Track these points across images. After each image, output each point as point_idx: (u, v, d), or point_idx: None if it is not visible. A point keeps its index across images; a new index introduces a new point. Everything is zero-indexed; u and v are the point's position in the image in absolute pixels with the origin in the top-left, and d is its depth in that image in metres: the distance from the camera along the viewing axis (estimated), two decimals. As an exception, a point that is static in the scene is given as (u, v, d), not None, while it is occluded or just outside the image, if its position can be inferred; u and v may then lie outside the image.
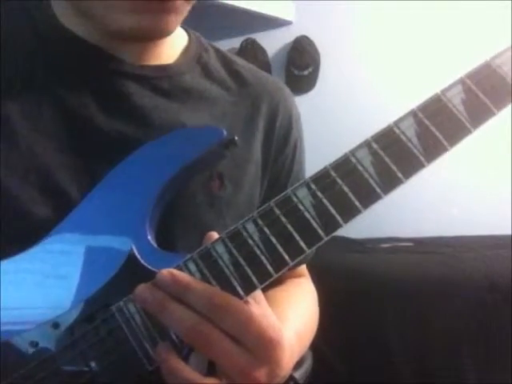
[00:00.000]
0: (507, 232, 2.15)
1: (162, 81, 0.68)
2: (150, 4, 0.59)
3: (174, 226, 0.65)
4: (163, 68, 0.69)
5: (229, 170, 0.69)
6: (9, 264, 0.57)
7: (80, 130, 0.63)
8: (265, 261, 0.53)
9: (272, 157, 0.75)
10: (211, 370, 0.67)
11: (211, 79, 0.73)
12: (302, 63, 2.60)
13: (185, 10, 0.63)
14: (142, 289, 0.53)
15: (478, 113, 0.54)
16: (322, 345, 1.76)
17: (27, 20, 0.67)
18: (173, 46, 0.71)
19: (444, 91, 0.55)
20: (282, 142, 0.77)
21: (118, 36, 0.63)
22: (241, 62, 0.78)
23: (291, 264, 0.53)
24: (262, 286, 0.54)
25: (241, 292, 0.53)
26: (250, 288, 0.53)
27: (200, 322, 0.51)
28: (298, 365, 0.69)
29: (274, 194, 0.75)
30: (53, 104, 0.63)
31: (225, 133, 0.61)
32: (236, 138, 0.61)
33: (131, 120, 0.65)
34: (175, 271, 0.53)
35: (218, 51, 0.77)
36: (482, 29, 2.22)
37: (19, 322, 0.56)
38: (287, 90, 0.81)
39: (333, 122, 2.52)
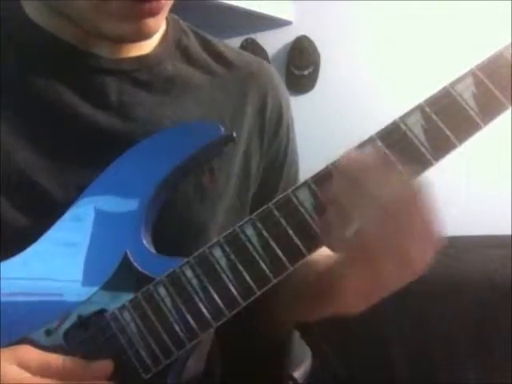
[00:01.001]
0: (507, 232, 2.14)
1: (142, 73, 0.66)
2: (135, 7, 0.56)
3: (166, 223, 0.63)
4: (142, 58, 0.66)
5: (218, 162, 0.67)
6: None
7: (61, 131, 0.62)
8: (263, 266, 0.52)
9: (266, 141, 0.73)
10: (209, 370, 0.67)
11: (193, 64, 0.71)
12: (302, 63, 2.60)
13: (167, 8, 0.61)
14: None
15: (490, 107, 0.51)
16: (321, 344, 1.76)
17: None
18: None
19: (453, 84, 0.52)
20: (275, 126, 0.74)
21: (98, 37, 0.61)
22: (223, 45, 0.76)
23: (291, 269, 0.52)
24: (261, 291, 0.52)
25: (238, 298, 0.52)
26: (248, 294, 0.52)
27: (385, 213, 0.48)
28: (298, 365, 0.68)
29: (270, 178, 0.74)
30: (31, 106, 0.62)
31: (222, 129, 0.59)
32: (234, 134, 0.60)
33: (115, 117, 0.63)
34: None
35: (197, 34, 0.74)
36: (483, 29, 2.22)
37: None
38: (274, 71, 0.78)
39: (333, 122, 2.51)
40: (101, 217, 0.58)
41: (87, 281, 0.55)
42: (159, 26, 0.61)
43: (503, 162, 2.27)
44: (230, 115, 0.69)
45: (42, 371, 0.50)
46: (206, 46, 0.73)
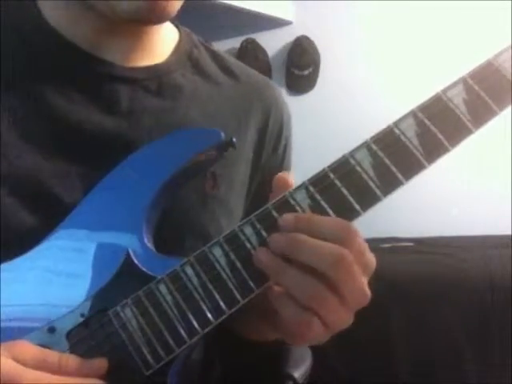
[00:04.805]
0: (507, 232, 2.14)
1: (153, 81, 0.67)
2: None
3: (167, 227, 0.64)
4: (153, 68, 0.68)
5: (221, 169, 0.68)
6: (13, 263, 0.57)
7: (70, 135, 0.62)
8: None
9: (264, 157, 0.75)
10: (209, 369, 0.67)
11: (203, 76, 0.72)
12: (301, 63, 2.60)
13: None
14: (261, 252, 0.52)
15: (480, 112, 0.53)
16: (321, 344, 1.76)
17: (8, 20, 0.65)
18: (164, 44, 0.70)
19: (445, 90, 0.54)
20: (274, 142, 0.76)
21: (113, 21, 0.61)
22: (231, 60, 0.77)
23: None
24: (259, 290, 0.53)
25: (238, 296, 0.53)
26: (247, 292, 0.53)
27: (321, 288, 0.50)
28: (298, 365, 0.68)
29: (263, 191, 0.75)
30: (40, 109, 0.62)
31: (222, 135, 0.60)
32: (234, 139, 0.61)
33: (122, 123, 0.64)
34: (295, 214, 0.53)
35: (208, 48, 0.75)
36: (483, 29, 2.22)
37: (28, 318, 0.55)
38: (278, 89, 0.81)
39: (332, 122, 2.52)
40: (102, 217, 0.59)
41: (89, 280, 0.56)
42: (173, 8, 0.61)
43: (503, 162, 2.28)
44: (234, 127, 0.71)
45: (37, 366, 0.50)
46: (216, 59, 0.75)
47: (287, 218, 0.52)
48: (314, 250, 0.50)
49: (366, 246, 0.53)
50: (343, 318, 0.53)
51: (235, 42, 2.65)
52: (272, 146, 0.76)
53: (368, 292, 0.52)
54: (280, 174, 0.56)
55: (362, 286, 0.52)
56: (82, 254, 0.57)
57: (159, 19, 0.61)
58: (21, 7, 0.66)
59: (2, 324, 0.54)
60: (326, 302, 0.51)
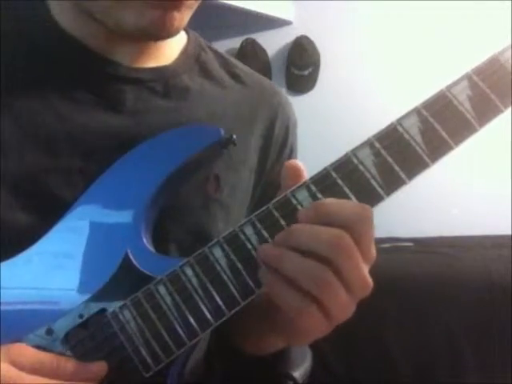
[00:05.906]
0: (507, 232, 2.14)
1: (159, 83, 0.67)
2: (159, 1, 0.57)
3: (168, 228, 0.64)
4: (160, 70, 0.68)
5: (224, 172, 0.68)
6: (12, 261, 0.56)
7: (74, 134, 0.62)
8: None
9: (269, 163, 0.75)
10: (209, 369, 0.67)
11: (210, 79, 0.72)
12: (302, 63, 2.60)
13: (193, 7, 0.62)
14: (261, 246, 0.52)
15: (485, 110, 0.52)
16: (321, 345, 1.76)
17: (17, 20, 0.65)
18: (171, 47, 0.70)
19: (449, 87, 0.53)
20: (280, 148, 0.76)
21: (121, 35, 0.62)
22: (239, 65, 0.78)
23: None
24: (260, 291, 0.53)
25: (238, 297, 0.52)
26: (247, 293, 0.52)
27: (323, 271, 0.50)
28: (298, 365, 0.68)
29: (267, 194, 0.74)
30: (44, 108, 0.62)
31: (222, 132, 0.60)
32: (234, 136, 0.61)
33: (127, 122, 0.64)
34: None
35: (216, 52, 0.76)
36: (483, 29, 2.22)
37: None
38: (284, 95, 0.81)
39: (333, 122, 2.52)
40: (100, 215, 0.58)
41: (85, 288, 0.56)
42: (181, 23, 0.61)
43: (503, 162, 2.27)
44: (239, 131, 0.70)
45: (35, 370, 0.50)
46: (224, 63, 0.75)
47: (303, 210, 0.52)
48: (311, 234, 0.50)
49: (370, 234, 0.52)
50: (345, 306, 0.51)
51: (235, 42, 2.64)
52: (277, 152, 0.76)
53: (370, 280, 0.51)
54: (289, 161, 0.55)
55: (363, 272, 0.51)
56: (79, 254, 0.57)
57: (167, 33, 0.61)
58: (30, 8, 0.66)
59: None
60: (329, 285, 0.50)
